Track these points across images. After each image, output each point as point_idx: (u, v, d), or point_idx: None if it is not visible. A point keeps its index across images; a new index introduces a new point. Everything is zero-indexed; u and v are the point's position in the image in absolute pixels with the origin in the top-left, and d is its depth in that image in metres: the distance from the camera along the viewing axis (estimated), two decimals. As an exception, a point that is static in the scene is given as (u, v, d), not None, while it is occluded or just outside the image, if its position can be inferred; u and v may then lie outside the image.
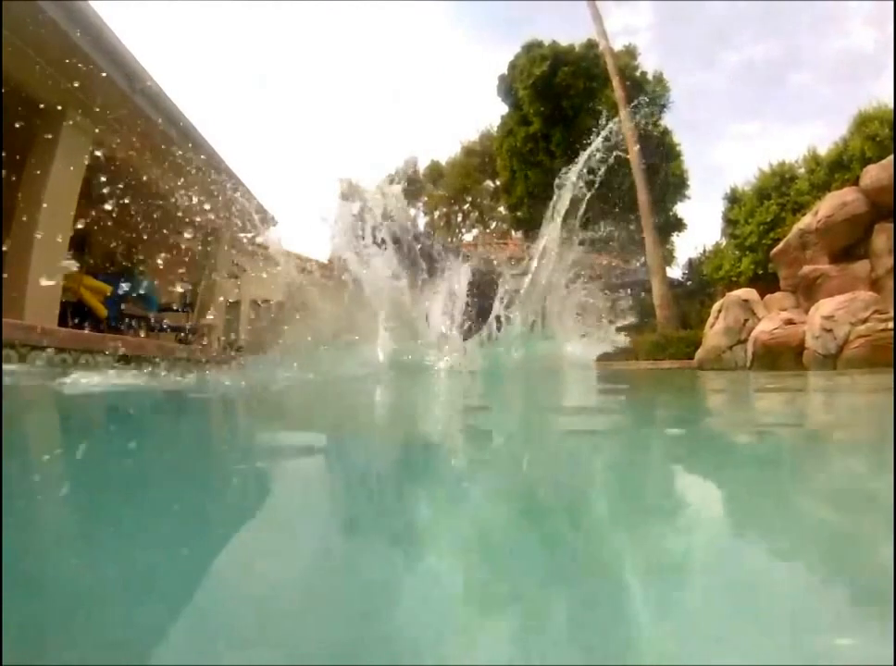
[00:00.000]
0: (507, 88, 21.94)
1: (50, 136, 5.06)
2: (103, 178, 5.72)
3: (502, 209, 26.99)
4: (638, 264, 19.22)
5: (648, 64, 23.63)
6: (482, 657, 0.50)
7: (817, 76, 38.70)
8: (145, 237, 6.25)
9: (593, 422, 2.13)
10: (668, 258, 20.12)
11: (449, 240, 24.69)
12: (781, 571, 0.71)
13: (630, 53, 21.28)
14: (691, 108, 39.85)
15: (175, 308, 8.48)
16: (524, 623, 0.57)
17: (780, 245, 8.69)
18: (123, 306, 6.78)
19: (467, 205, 29.87)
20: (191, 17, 48.03)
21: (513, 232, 24.87)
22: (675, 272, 21.50)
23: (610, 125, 7.96)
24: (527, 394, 3.75)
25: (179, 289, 9.03)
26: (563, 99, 20.01)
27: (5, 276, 4.75)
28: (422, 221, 28.91)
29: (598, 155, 7.91)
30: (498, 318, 7.20)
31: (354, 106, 51.89)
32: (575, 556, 0.73)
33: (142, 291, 7.05)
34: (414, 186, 28.23)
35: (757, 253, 16.58)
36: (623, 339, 10.37)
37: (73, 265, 5.07)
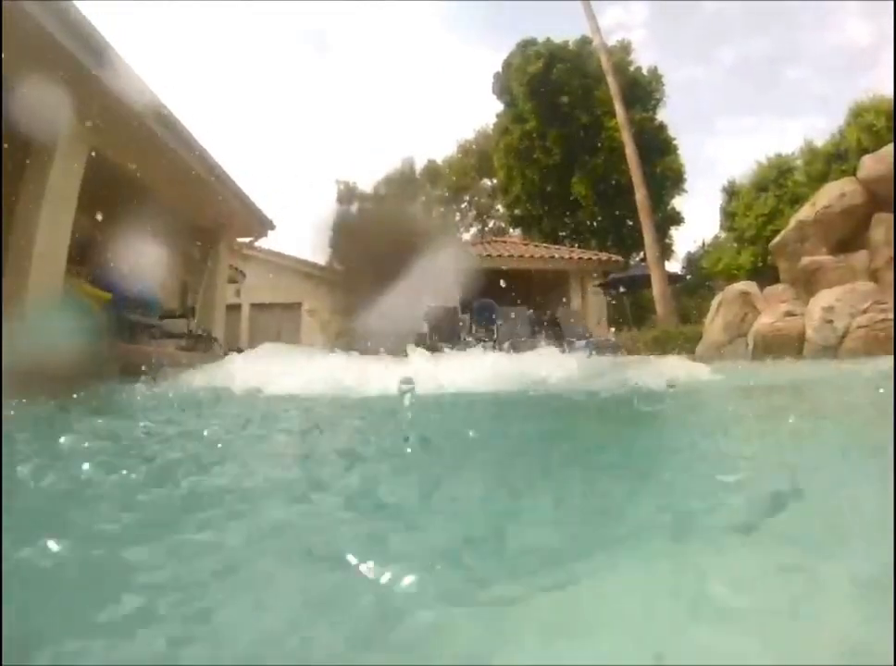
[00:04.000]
0: (502, 86, 21.97)
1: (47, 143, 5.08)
2: (100, 185, 5.73)
3: (500, 207, 26.99)
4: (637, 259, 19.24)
5: (643, 59, 23.64)
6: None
7: (812, 69, 38.64)
8: (140, 241, 6.25)
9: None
10: (667, 253, 20.15)
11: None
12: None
13: (625, 49, 21.31)
14: (687, 103, 39.81)
15: (178, 314, 8.42)
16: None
17: (779, 237, 8.68)
18: (124, 312, 6.76)
19: (465, 204, 29.87)
20: (188, 17, 48.05)
21: (511, 230, 24.87)
22: (674, 266, 21.58)
23: None
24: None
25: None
26: (558, 96, 20.03)
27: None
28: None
29: None
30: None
31: (350, 107, 51.85)
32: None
33: (142, 297, 7.02)
34: (411, 186, 28.24)
35: (756, 246, 16.61)
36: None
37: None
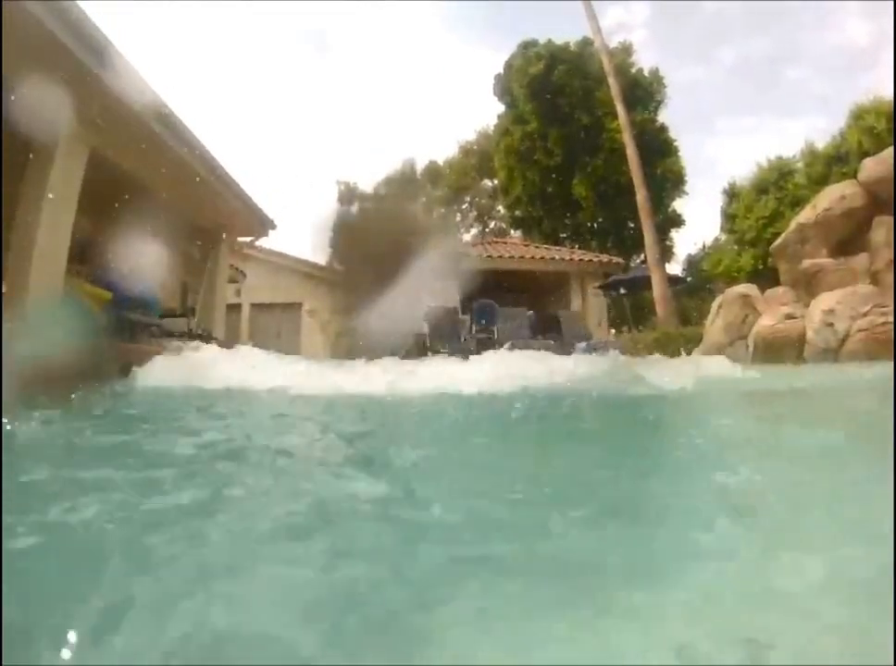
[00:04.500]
0: (504, 87, 21.96)
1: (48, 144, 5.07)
2: (101, 185, 5.73)
3: (500, 208, 26.97)
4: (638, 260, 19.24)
5: (644, 60, 23.62)
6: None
7: (813, 69, 38.62)
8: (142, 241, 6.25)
9: None
10: (668, 254, 20.14)
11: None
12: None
13: (626, 50, 21.30)
14: (688, 103, 39.75)
15: (178, 313, 8.42)
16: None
17: (779, 240, 8.68)
18: (124, 312, 6.76)
19: (466, 205, 29.86)
20: (189, 17, 48.00)
21: (511, 231, 24.86)
22: (675, 268, 21.56)
23: None
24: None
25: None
26: (559, 97, 20.02)
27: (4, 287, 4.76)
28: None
29: None
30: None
31: (351, 107, 51.84)
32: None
33: (142, 296, 7.02)
34: (412, 186, 28.22)
35: (756, 248, 16.59)
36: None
37: None
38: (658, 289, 12.87)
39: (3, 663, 0.35)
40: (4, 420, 1.82)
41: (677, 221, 21.30)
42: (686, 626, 0.61)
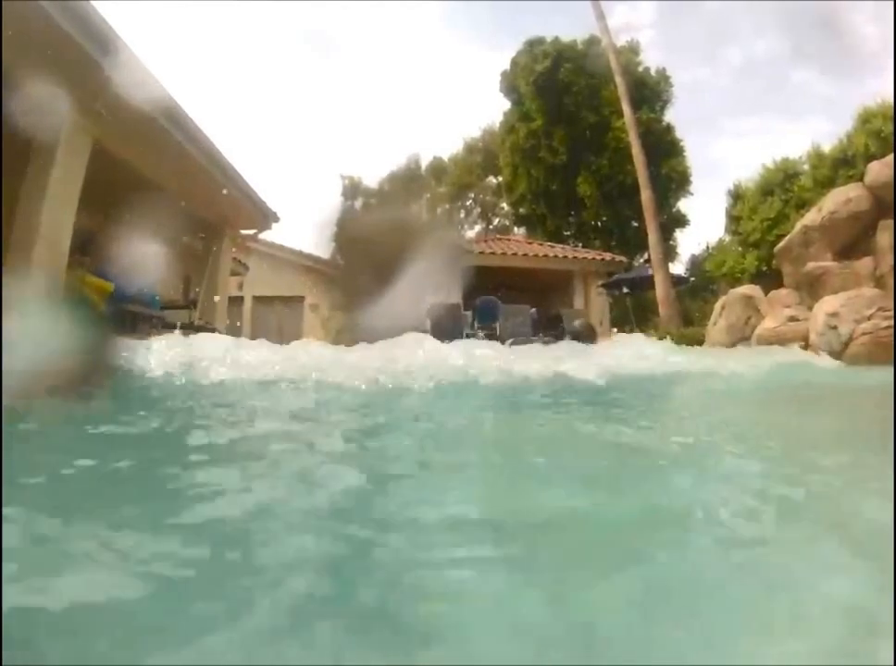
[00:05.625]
0: (510, 84, 21.90)
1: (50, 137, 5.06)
2: (104, 178, 5.73)
3: (504, 205, 26.94)
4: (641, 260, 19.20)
5: (650, 60, 23.56)
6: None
7: (819, 72, 38.42)
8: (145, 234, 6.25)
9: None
10: (671, 254, 20.09)
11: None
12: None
13: (633, 49, 21.21)
14: (693, 104, 39.61)
15: (179, 305, 8.44)
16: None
17: (784, 242, 8.64)
18: (125, 304, 6.77)
19: (470, 202, 29.81)
20: (195, 15, 47.86)
21: (515, 229, 24.83)
22: (678, 268, 21.51)
23: None
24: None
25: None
26: (565, 96, 19.96)
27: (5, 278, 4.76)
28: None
29: None
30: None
31: (357, 103, 51.77)
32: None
33: (144, 291, 7.02)
34: (416, 183, 28.18)
35: (760, 250, 16.54)
36: None
37: None
38: (661, 289, 12.84)
39: (3, 663, 0.34)
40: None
41: (681, 221, 21.26)
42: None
